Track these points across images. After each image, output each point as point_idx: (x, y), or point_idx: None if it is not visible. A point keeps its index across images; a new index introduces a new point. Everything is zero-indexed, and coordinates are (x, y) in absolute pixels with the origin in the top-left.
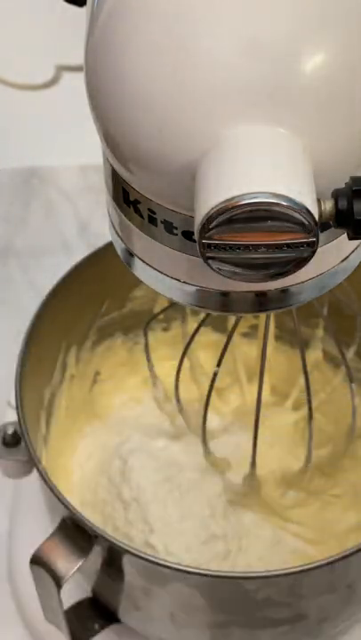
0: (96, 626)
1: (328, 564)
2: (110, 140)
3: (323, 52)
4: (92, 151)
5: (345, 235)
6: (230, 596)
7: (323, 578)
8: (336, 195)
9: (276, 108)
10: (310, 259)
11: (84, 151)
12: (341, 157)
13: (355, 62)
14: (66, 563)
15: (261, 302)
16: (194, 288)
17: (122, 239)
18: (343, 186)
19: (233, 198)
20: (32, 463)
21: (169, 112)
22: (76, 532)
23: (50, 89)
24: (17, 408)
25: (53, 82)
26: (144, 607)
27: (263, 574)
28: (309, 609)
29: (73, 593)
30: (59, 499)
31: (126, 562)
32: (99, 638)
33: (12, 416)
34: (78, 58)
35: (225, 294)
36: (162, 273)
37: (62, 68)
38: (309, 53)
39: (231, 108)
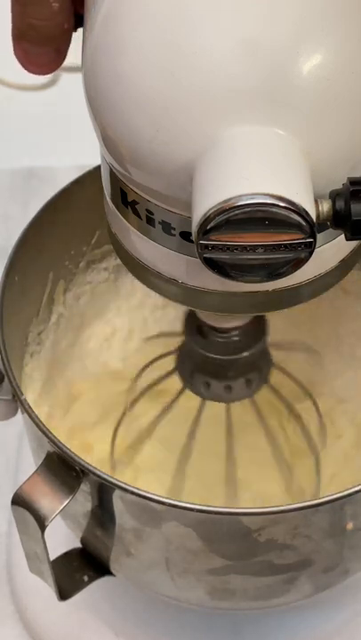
0: (85, 578)
1: (340, 498)
2: (108, 141)
3: (321, 54)
4: (90, 152)
5: (343, 235)
6: (230, 538)
7: (333, 516)
8: (334, 196)
9: (273, 109)
10: (308, 259)
11: (82, 152)
12: (339, 158)
13: (353, 64)
14: (50, 501)
15: (260, 303)
16: (191, 289)
17: (119, 240)
18: (341, 187)
19: (231, 199)
20: (16, 399)
21: (166, 113)
22: (62, 468)
23: (48, 89)
24: None
25: (52, 82)
26: (137, 553)
27: (267, 510)
28: (315, 554)
29: (60, 545)
30: (42, 431)
31: (117, 499)
32: (88, 590)
33: None
34: (77, 58)
35: (222, 295)
36: (159, 273)
37: (61, 69)
38: (308, 54)
39: (228, 108)
